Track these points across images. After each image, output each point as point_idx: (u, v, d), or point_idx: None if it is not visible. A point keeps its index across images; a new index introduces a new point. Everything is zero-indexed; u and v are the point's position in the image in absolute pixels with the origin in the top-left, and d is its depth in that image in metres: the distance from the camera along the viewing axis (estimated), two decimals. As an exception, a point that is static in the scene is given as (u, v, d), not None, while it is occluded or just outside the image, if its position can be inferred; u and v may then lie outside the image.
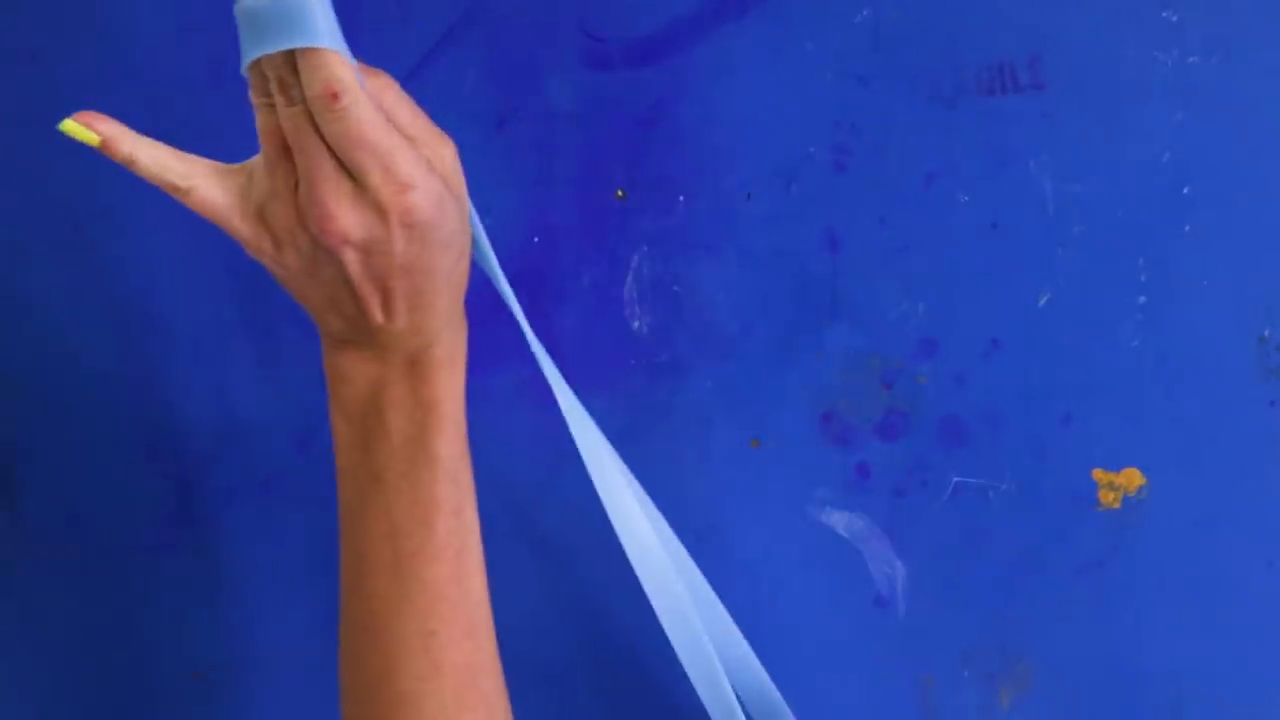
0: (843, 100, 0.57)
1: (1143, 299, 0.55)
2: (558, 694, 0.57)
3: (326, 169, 0.42)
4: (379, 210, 0.42)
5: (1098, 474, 0.55)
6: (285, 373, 0.59)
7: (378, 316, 0.44)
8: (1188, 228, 0.55)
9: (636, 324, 0.58)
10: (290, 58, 0.42)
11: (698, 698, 0.56)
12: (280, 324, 0.59)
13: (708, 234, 0.57)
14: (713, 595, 0.53)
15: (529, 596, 0.58)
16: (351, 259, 0.43)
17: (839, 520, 0.56)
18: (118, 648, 0.59)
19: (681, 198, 0.57)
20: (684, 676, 0.57)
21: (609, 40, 0.58)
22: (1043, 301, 0.55)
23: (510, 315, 0.58)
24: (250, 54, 0.42)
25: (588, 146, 0.58)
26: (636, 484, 0.52)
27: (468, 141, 0.59)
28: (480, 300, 0.59)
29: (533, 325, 0.58)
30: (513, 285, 0.58)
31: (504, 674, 0.58)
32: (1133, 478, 0.55)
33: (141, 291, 0.60)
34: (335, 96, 0.41)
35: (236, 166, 0.46)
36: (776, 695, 0.53)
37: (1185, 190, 0.55)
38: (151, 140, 0.45)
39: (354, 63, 0.43)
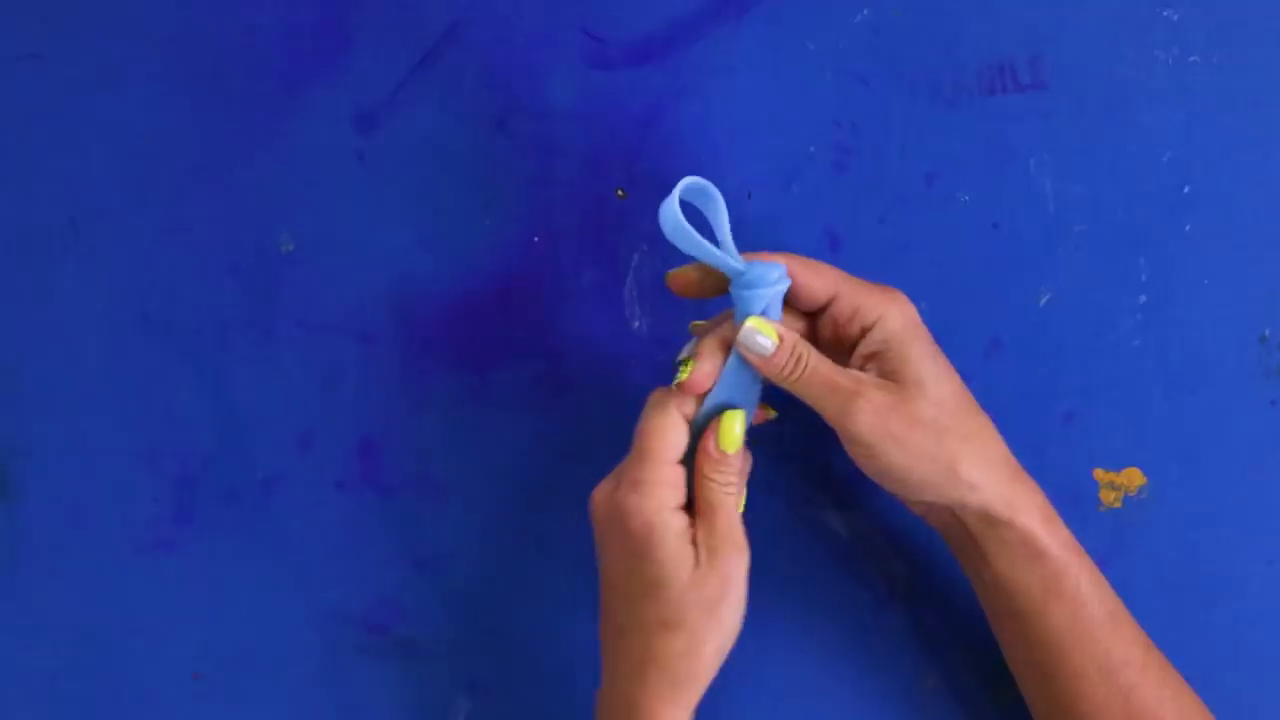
0: (843, 100, 0.57)
1: (1143, 299, 0.55)
2: (560, 693, 0.57)
3: None
4: None
5: (1098, 473, 0.55)
6: (285, 373, 0.59)
7: None
8: (1188, 227, 0.55)
9: (636, 324, 0.58)
10: None
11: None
12: (280, 324, 0.59)
13: (708, 234, 0.57)
14: None
15: (530, 596, 0.58)
16: None
17: (839, 520, 0.56)
18: (118, 648, 0.59)
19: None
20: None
21: (609, 40, 0.58)
22: (1043, 301, 0.55)
23: (508, 317, 0.59)
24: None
25: (588, 146, 0.58)
26: None
27: (468, 141, 0.59)
28: (480, 300, 0.59)
29: (533, 325, 0.58)
30: (512, 285, 0.58)
31: (502, 673, 0.58)
32: (1133, 477, 0.55)
33: (141, 291, 0.60)
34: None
35: None
36: None
37: (1185, 190, 0.55)
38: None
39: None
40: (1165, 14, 0.55)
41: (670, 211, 0.48)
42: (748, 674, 0.56)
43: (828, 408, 0.47)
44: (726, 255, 0.48)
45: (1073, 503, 0.55)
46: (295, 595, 0.59)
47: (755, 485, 0.57)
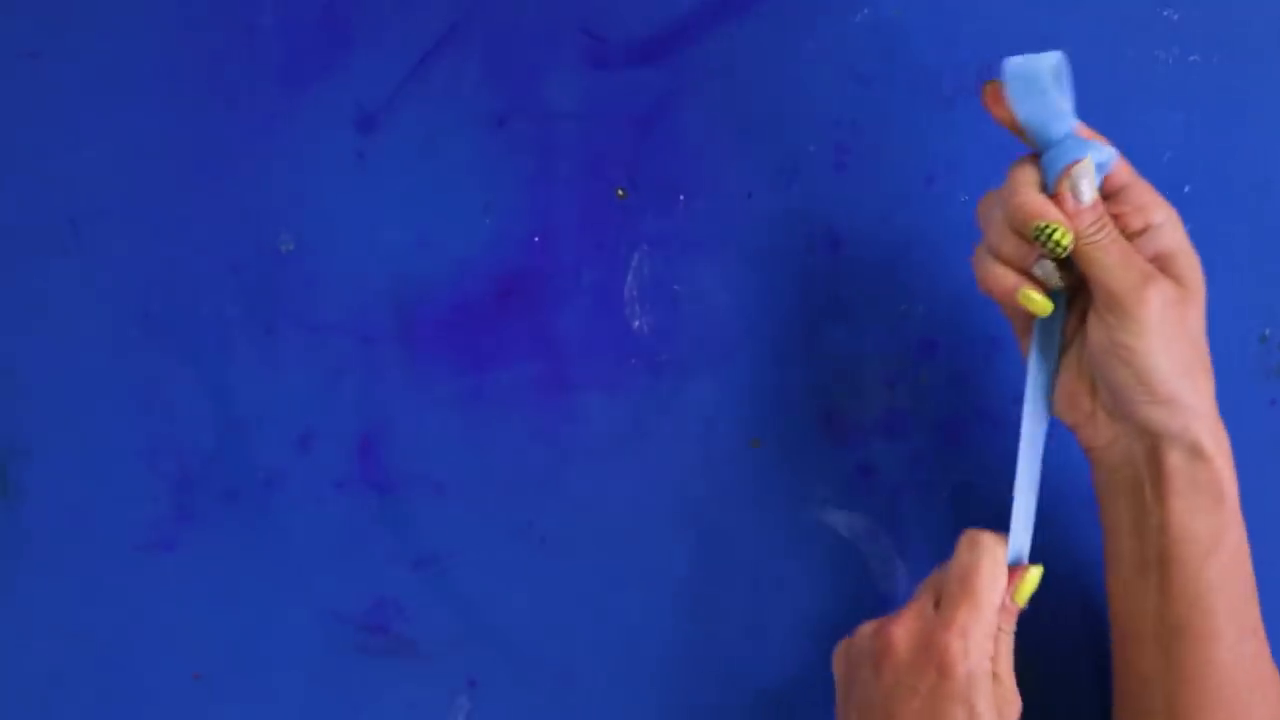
0: (843, 100, 0.57)
1: (1143, 299, 0.55)
2: (558, 693, 0.57)
3: None
4: None
5: (1098, 474, 0.55)
6: (285, 373, 0.59)
7: None
8: (1188, 227, 0.55)
9: (636, 324, 0.58)
10: None
11: (700, 696, 0.56)
12: (280, 324, 0.59)
13: (708, 234, 0.57)
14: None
15: (530, 596, 0.58)
16: None
17: (839, 520, 0.56)
18: (118, 648, 0.59)
19: (681, 198, 0.57)
20: (684, 676, 0.57)
21: (609, 40, 0.58)
22: (1043, 301, 0.55)
23: (508, 317, 0.58)
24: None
25: (588, 146, 0.58)
26: None
27: (468, 141, 0.59)
28: (480, 300, 0.59)
29: (533, 325, 0.58)
30: (513, 285, 0.58)
31: (502, 673, 0.58)
32: (1133, 477, 0.55)
33: (141, 291, 0.60)
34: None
35: None
36: None
37: (1185, 190, 0.55)
38: None
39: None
40: (1165, 14, 0.55)
41: (1037, 65, 0.46)
42: (747, 674, 0.56)
43: (1120, 281, 0.45)
44: (1067, 113, 0.47)
45: (1074, 502, 0.55)
46: (295, 595, 0.59)
47: (755, 485, 0.57)
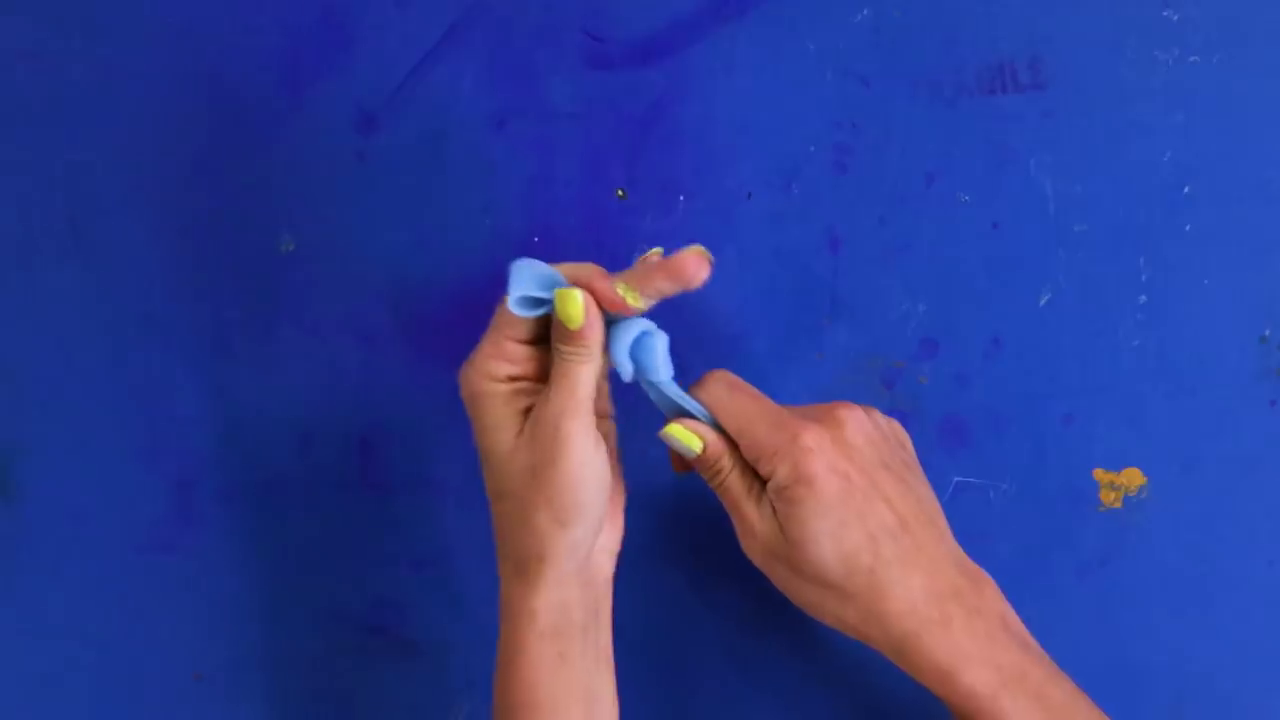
0: (843, 100, 0.57)
1: (1143, 299, 0.55)
2: (558, 694, 0.57)
3: None
4: None
5: (1098, 474, 0.55)
6: (285, 373, 0.59)
7: None
8: (1188, 227, 0.55)
9: (637, 324, 0.58)
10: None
11: (700, 696, 0.56)
12: (280, 324, 0.59)
13: (708, 234, 0.57)
14: None
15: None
16: None
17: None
18: (118, 648, 0.59)
19: (681, 198, 0.57)
20: (684, 676, 0.57)
21: (609, 40, 0.58)
22: (1043, 301, 0.55)
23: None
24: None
25: (588, 146, 0.58)
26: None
27: (468, 141, 0.59)
28: (480, 300, 0.59)
29: (533, 325, 0.58)
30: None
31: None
32: (1133, 477, 0.55)
33: (141, 291, 0.60)
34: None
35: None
36: None
37: (1185, 190, 0.55)
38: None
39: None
40: (1165, 14, 0.55)
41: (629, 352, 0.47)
42: (747, 673, 0.56)
43: (735, 524, 0.48)
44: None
45: (1073, 503, 0.55)
46: (295, 595, 0.59)
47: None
